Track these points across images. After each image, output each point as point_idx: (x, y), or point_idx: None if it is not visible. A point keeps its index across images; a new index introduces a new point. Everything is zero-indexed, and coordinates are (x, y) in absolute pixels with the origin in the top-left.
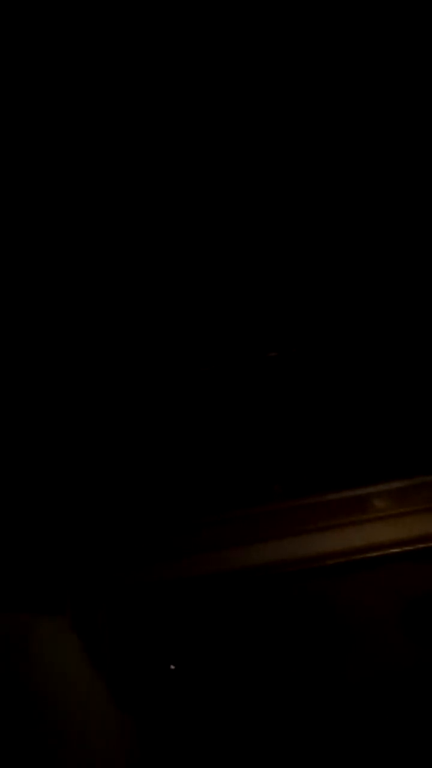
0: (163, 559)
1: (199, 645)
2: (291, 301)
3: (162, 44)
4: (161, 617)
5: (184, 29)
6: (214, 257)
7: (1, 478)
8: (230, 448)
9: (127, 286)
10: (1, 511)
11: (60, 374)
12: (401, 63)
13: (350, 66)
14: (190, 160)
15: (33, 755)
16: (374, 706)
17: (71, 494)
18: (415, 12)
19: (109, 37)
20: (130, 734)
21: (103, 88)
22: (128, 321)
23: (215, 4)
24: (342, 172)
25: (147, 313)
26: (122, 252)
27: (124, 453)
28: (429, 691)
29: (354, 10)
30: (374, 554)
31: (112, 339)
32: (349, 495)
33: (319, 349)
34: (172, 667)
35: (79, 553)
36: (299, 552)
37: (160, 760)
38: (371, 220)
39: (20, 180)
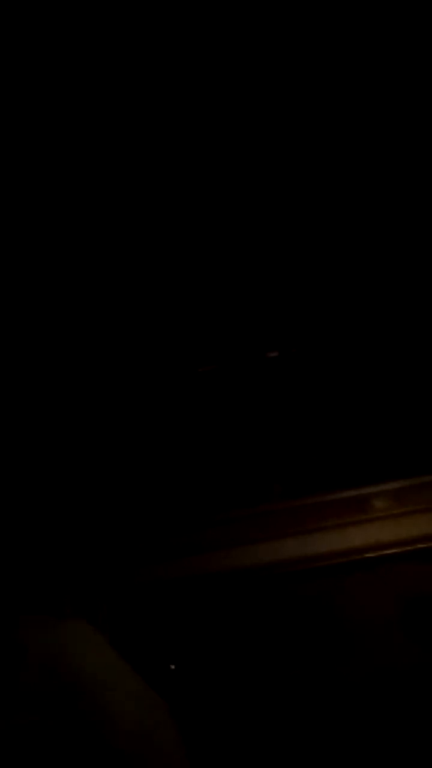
0: (164, 559)
1: (199, 645)
2: (291, 301)
3: (162, 44)
4: (161, 617)
5: (184, 29)
6: (214, 257)
7: (2, 478)
8: (230, 448)
9: (125, 287)
10: (1, 511)
11: (59, 375)
12: (401, 63)
13: (350, 66)
14: (190, 159)
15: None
16: (374, 706)
17: (71, 495)
18: (415, 12)
19: (108, 38)
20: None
21: (103, 87)
22: (128, 322)
23: (215, 4)
24: (341, 172)
25: (147, 314)
26: (121, 252)
27: (123, 453)
28: (429, 691)
29: (354, 10)
30: (374, 554)
31: (112, 340)
32: (349, 495)
33: (319, 349)
34: (173, 667)
35: (79, 553)
36: (299, 552)
37: None
38: (371, 220)
39: (20, 180)
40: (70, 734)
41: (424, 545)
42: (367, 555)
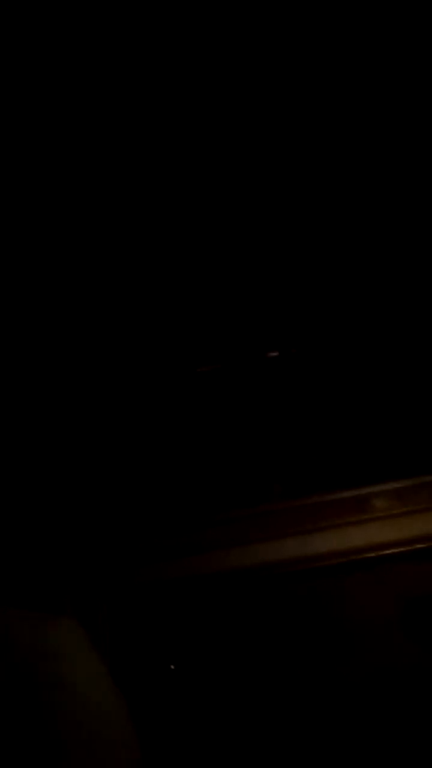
0: (163, 559)
1: (199, 645)
2: (291, 301)
3: (162, 44)
4: (161, 617)
5: (184, 29)
6: (214, 257)
7: (1, 479)
8: (230, 448)
9: (124, 287)
10: (1, 510)
11: (59, 375)
12: (401, 64)
13: (350, 66)
14: (190, 159)
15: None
16: (374, 706)
17: (71, 494)
18: (415, 12)
19: (109, 38)
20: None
21: (103, 87)
22: (127, 321)
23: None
24: (341, 171)
25: (146, 314)
26: (121, 252)
27: (123, 453)
28: (429, 691)
29: (354, 10)
30: (374, 554)
31: (111, 339)
32: (349, 495)
33: (319, 349)
34: (173, 667)
35: (79, 553)
36: (299, 552)
37: (160, 760)
38: (371, 220)
39: (20, 180)
40: (30, 728)
41: (424, 545)
42: (367, 555)
